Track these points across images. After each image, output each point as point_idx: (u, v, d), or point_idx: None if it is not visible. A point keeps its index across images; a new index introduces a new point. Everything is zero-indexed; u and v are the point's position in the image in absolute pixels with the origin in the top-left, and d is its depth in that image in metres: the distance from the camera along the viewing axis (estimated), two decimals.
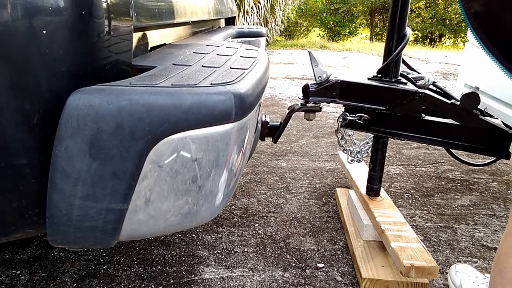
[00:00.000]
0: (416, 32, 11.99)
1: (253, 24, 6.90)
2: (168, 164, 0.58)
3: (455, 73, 5.42)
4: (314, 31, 12.24)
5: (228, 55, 0.88)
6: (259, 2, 7.15)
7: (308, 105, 1.38)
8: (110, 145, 0.56)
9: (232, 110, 0.59)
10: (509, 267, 0.86)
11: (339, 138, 1.44)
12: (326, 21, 11.76)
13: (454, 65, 6.15)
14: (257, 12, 7.07)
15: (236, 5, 6.13)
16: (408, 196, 1.87)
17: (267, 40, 8.11)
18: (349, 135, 1.48)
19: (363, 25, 13.01)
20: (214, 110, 0.58)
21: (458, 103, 1.23)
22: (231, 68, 0.74)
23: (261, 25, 7.56)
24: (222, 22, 2.00)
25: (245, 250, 1.40)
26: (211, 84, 0.61)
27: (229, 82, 0.63)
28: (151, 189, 0.60)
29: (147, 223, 0.62)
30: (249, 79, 0.67)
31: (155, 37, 0.96)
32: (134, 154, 0.57)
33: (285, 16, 8.86)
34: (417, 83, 1.33)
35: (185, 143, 0.58)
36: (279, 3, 8.20)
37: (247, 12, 6.64)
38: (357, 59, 6.74)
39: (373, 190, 1.49)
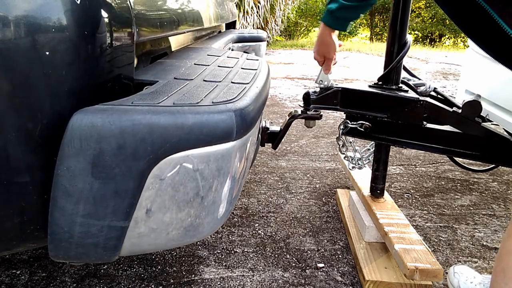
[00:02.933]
0: (416, 32, 11.99)
1: (253, 24, 6.90)
2: (169, 183, 0.59)
3: (455, 73, 5.43)
4: (314, 31, 12.22)
5: (229, 67, 0.88)
6: (259, 2, 7.15)
7: (308, 112, 1.38)
8: (112, 165, 0.57)
9: (234, 129, 0.60)
10: None
11: (341, 146, 1.44)
12: None
13: (454, 65, 6.16)
14: (257, 12, 7.07)
15: (236, 5, 6.13)
16: (408, 196, 1.87)
17: (267, 41, 8.09)
18: (350, 142, 1.49)
19: (363, 25, 13.01)
20: (215, 129, 0.58)
21: (460, 110, 1.23)
22: (232, 82, 0.75)
23: (261, 25, 7.55)
24: (223, 26, 2.00)
25: (245, 250, 1.40)
26: (212, 102, 0.62)
27: (230, 100, 0.63)
28: (152, 206, 0.60)
29: (148, 238, 0.63)
30: (250, 95, 0.68)
31: (156, 48, 0.96)
32: (135, 174, 0.57)
33: (285, 16, 8.86)
34: (418, 90, 1.33)
35: (187, 161, 0.59)
36: (279, 3, 8.19)
37: (247, 12, 6.64)
38: (357, 59, 6.74)
39: (377, 190, 1.49)
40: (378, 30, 12.62)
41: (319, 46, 1.28)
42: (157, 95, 0.64)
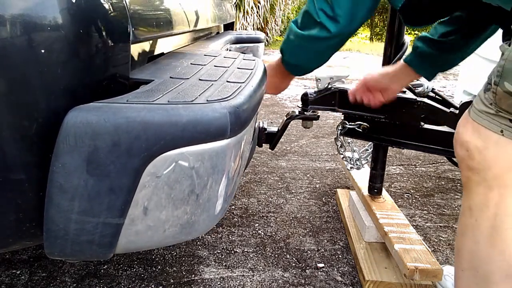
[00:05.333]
0: (417, 32, 11.98)
1: (253, 24, 6.91)
2: (163, 181, 0.59)
3: (455, 73, 5.42)
4: None
5: (225, 67, 0.88)
6: (259, 2, 7.16)
7: (306, 113, 1.38)
8: (107, 162, 0.57)
9: (228, 127, 0.60)
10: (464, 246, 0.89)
11: (339, 146, 1.44)
12: None
13: None
14: (257, 12, 7.08)
15: (236, 5, 6.14)
16: (408, 196, 1.87)
17: (267, 40, 8.12)
18: (349, 143, 1.49)
19: (363, 25, 13.02)
20: (209, 127, 0.59)
21: (457, 111, 1.23)
22: (227, 81, 0.75)
23: (261, 25, 7.56)
24: (221, 27, 2.00)
25: (245, 250, 1.40)
26: (207, 100, 0.62)
27: (225, 98, 0.64)
28: (148, 203, 0.61)
29: (145, 235, 0.63)
30: (245, 94, 0.68)
31: (153, 48, 0.96)
32: (130, 170, 0.58)
33: (285, 16, 8.87)
34: (416, 91, 1.33)
35: (181, 159, 0.59)
36: (279, 3, 8.21)
37: (247, 12, 6.65)
38: (357, 59, 6.74)
39: (374, 189, 1.49)
40: (378, 30, 12.62)
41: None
42: (152, 93, 0.64)
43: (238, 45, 1.71)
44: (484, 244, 0.84)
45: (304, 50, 0.95)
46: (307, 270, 1.31)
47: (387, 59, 1.35)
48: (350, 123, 1.35)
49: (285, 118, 1.42)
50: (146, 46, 0.91)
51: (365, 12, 0.84)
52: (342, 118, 1.40)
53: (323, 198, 1.82)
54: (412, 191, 1.92)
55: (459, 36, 1.09)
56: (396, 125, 1.31)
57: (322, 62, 0.99)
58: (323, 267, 1.33)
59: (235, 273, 1.28)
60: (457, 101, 1.31)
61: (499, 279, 0.83)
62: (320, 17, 0.86)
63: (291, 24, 0.96)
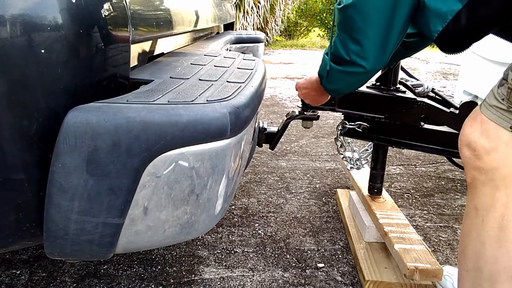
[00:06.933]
0: None
1: (253, 24, 6.91)
2: (163, 181, 0.59)
3: (455, 73, 5.42)
4: (314, 31, 12.23)
5: (225, 67, 0.88)
6: (259, 2, 7.16)
7: (306, 113, 1.38)
8: (107, 162, 0.57)
9: (228, 127, 0.60)
10: (469, 246, 0.89)
11: (339, 146, 1.44)
12: (326, 21, 11.75)
13: (454, 65, 6.15)
14: (257, 12, 7.08)
15: (236, 5, 6.14)
16: (408, 196, 1.87)
17: (267, 40, 8.13)
18: (349, 143, 1.49)
19: None
20: (209, 127, 0.59)
21: (457, 111, 1.23)
22: (227, 81, 0.75)
23: (261, 25, 7.56)
24: (221, 27, 2.01)
25: (245, 250, 1.40)
26: (207, 100, 0.62)
27: (225, 98, 0.64)
28: (148, 203, 0.61)
29: (145, 235, 0.63)
30: (245, 94, 0.68)
31: (153, 48, 0.96)
32: (130, 171, 0.58)
33: (285, 16, 8.88)
34: (416, 91, 1.33)
35: (181, 159, 0.59)
36: (279, 3, 8.21)
37: (247, 12, 6.65)
38: None
39: (374, 189, 1.49)
40: None
41: None
42: (152, 93, 0.65)
43: (238, 45, 1.72)
44: (490, 245, 0.84)
45: (340, 80, 0.98)
46: (307, 270, 1.31)
47: None
48: (350, 123, 1.35)
49: (285, 118, 1.42)
50: (146, 46, 0.91)
51: (394, 44, 0.85)
52: (342, 118, 1.40)
53: (323, 198, 1.82)
54: (412, 191, 1.92)
55: (419, 39, 1.13)
56: (396, 125, 1.31)
57: (357, 88, 1.04)
58: (323, 267, 1.33)
59: (235, 273, 1.28)
60: (457, 101, 1.31)
61: (504, 280, 0.83)
62: (351, 56, 0.87)
63: (324, 56, 0.98)
